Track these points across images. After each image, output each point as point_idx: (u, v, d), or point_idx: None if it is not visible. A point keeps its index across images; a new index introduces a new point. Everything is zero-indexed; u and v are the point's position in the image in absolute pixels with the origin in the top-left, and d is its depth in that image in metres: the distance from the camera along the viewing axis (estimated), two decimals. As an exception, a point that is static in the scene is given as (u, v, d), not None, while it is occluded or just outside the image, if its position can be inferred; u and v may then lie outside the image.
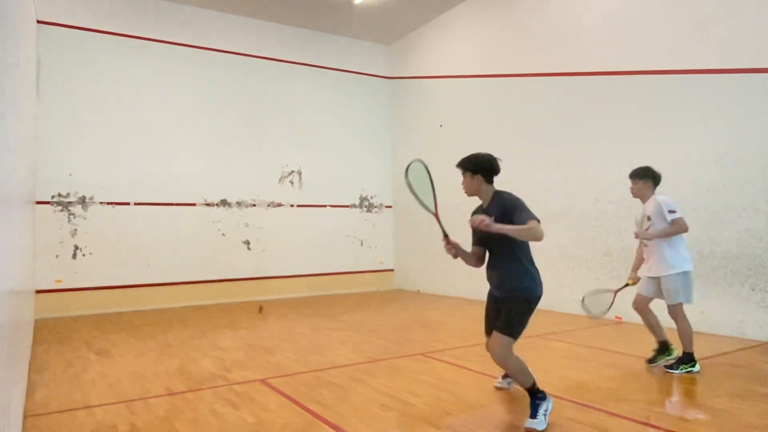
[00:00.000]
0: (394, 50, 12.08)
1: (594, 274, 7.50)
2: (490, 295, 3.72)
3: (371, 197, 11.77)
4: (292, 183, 10.83)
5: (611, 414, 3.48)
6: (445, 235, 3.52)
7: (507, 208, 3.39)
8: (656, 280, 4.63)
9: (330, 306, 9.13)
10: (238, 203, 10.17)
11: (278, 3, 9.96)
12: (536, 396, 3.34)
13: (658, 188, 4.78)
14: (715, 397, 3.82)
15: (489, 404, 3.76)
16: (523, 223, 3.24)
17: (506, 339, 3.33)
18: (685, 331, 4.50)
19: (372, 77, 11.98)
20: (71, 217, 8.64)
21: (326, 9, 10.23)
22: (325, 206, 11.18)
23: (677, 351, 4.65)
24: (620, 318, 6.90)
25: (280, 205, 10.64)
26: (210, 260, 9.74)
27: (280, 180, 10.69)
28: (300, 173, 10.92)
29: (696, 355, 4.52)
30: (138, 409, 3.77)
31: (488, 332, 3.66)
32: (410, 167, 3.59)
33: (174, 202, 9.51)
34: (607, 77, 7.45)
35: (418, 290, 11.06)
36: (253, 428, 3.35)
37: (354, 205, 11.55)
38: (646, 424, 3.34)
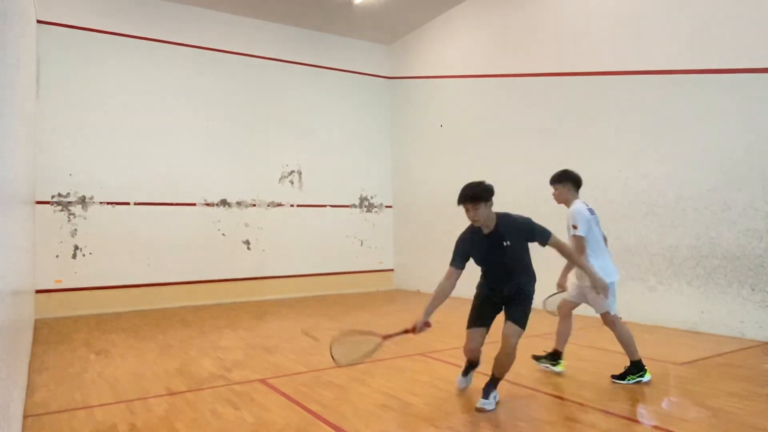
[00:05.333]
0: (394, 50, 12.07)
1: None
2: (490, 293, 3.83)
3: (371, 197, 11.76)
4: (292, 183, 10.83)
5: (611, 414, 3.48)
6: (409, 330, 3.52)
7: (524, 230, 3.62)
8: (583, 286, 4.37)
9: (330, 306, 9.12)
10: (238, 203, 10.17)
11: (278, 3, 9.96)
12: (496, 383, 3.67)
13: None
14: (715, 397, 3.82)
15: (489, 404, 3.75)
16: (546, 239, 3.65)
17: (521, 330, 3.63)
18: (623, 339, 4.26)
19: (372, 77, 11.98)
20: (71, 217, 8.64)
21: (326, 9, 10.23)
22: (325, 206, 11.18)
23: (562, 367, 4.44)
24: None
25: (280, 205, 10.63)
26: (210, 260, 9.74)
27: (280, 180, 10.69)
28: (300, 173, 10.92)
29: (696, 355, 4.51)
30: (138, 409, 3.77)
31: (478, 325, 3.80)
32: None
33: (174, 202, 9.51)
34: (607, 77, 7.45)
35: (418, 290, 11.06)
36: (253, 428, 3.35)
37: (354, 205, 11.55)
38: (645, 424, 3.33)
